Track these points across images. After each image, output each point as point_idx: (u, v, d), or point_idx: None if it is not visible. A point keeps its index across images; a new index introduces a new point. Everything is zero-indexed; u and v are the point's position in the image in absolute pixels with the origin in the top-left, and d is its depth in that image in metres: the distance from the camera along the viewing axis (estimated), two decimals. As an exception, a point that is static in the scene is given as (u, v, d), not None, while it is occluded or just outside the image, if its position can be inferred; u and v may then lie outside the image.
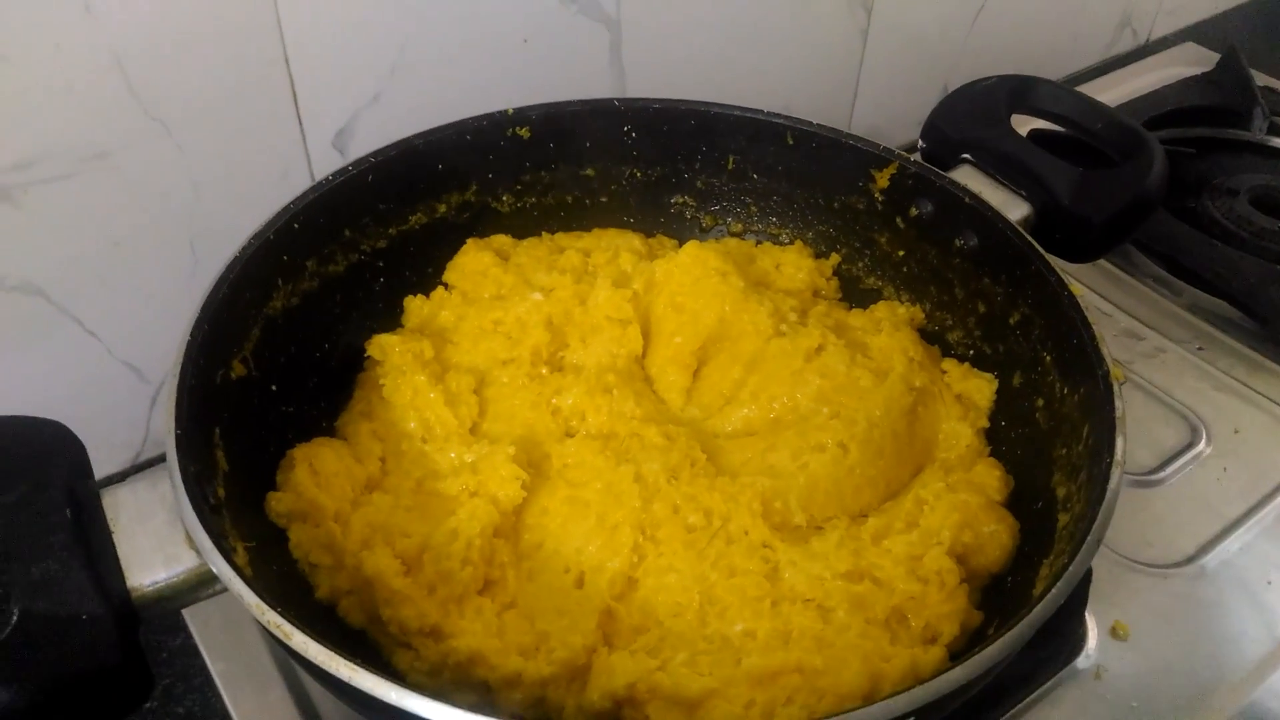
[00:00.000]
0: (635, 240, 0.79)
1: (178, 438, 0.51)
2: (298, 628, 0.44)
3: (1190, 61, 1.29)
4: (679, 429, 0.64)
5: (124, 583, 0.48)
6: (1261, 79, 1.20)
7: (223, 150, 0.73)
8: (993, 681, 0.50)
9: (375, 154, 0.70)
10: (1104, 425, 0.56)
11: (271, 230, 0.63)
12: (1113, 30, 1.38)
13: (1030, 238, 0.67)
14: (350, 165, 0.69)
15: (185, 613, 0.68)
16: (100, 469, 0.73)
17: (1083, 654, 0.68)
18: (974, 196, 0.70)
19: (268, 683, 0.64)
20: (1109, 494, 0.52)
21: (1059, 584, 0.49)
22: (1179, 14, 1.45)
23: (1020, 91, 0.78)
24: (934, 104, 0.81)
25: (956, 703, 0.48)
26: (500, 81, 0.84)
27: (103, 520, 0.49)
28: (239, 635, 0.66)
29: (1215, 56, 1.26)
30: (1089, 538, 0.50)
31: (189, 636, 0.68)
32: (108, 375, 0.77)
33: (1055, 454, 0.62)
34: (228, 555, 0.47)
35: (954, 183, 0.71)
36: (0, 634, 0.44)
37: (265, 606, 0.45)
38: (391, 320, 0.74)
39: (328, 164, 0.79)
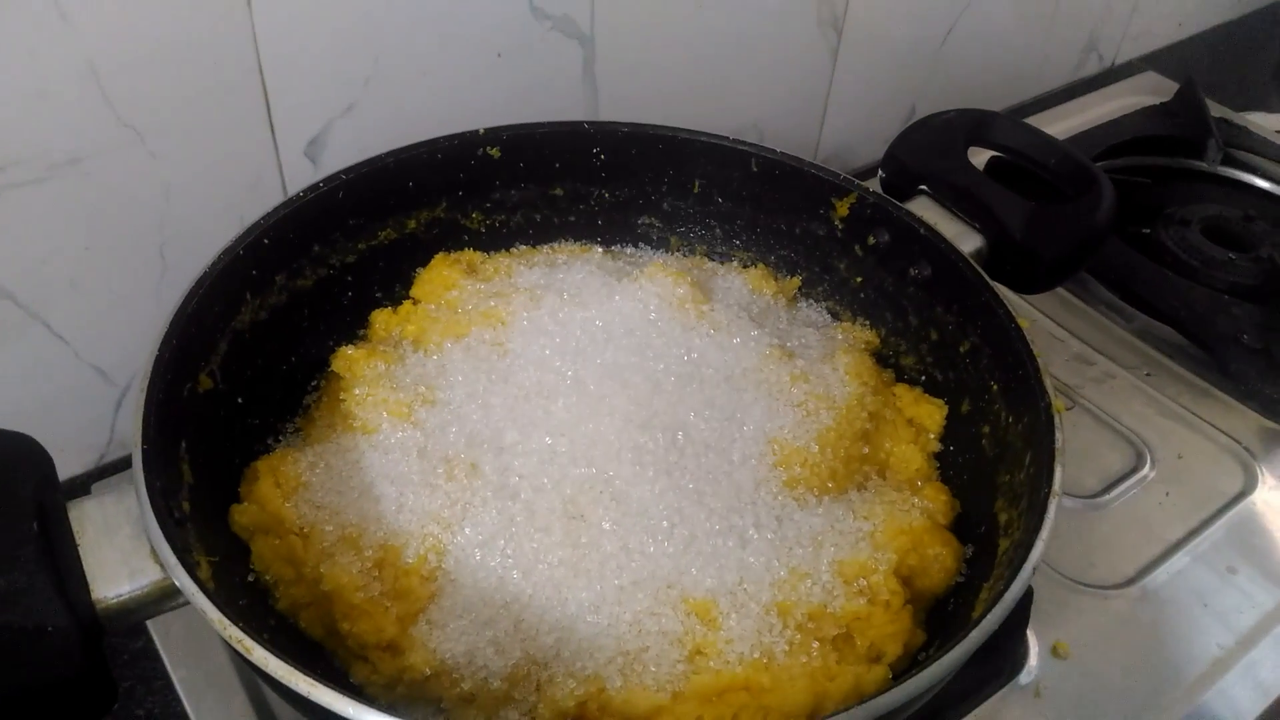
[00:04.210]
0: (599, 254, 0.81)
1: (144, 452, 0.52)
2: (258, 642, 0.45)
3: (1150, 91, 1.32)
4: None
5: (89, 595, 0.48)
6: (1217, 110, 1.23)
7: (194, 157, 0.74)
8: (934, 699, 0.52)
9: (346, 170, 0.71)
10: (1044, 455, 0.58)
11: (241, 246, 0.64)
12: (1078, 54, 1.41)
13: (981, 270, 0.69)
14: (321, 182, 0.70)
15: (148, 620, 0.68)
16: (65, 470, 0.74)
17: (1024, 672, 0.70)
18: (929, 228, 0.72)
19: (229, 691, 0.65)
20: (1046, 523, 0.54)
21: (996, 608, 0.50)
22: (1142, 40, 1.48)
23: (978, 125, 0.81)
24: (902, 124, 0.83)
25: (896, 721, 0.50)
26: (473, 95, 0.85)
27: (69, 533, 0.50)
28: (200, 643, 0.67)
29: (1175, 86, 1.29)
30: (1025, 565, 0.52)
31: (150, 640, 0.69)
32: (74, 377, 0.78)
33: (999, 480, 0.64)
34: (191, 569, 0.48)
35: (910, 214, 0.73)
36: (-35, 645, 0.45)
37: (227, 621, 0.46)
38: (358, 334, 0.75)
39: (299, 173, 0.80)
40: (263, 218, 0.66)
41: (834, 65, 1.11)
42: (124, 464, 0.87)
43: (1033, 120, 1.13)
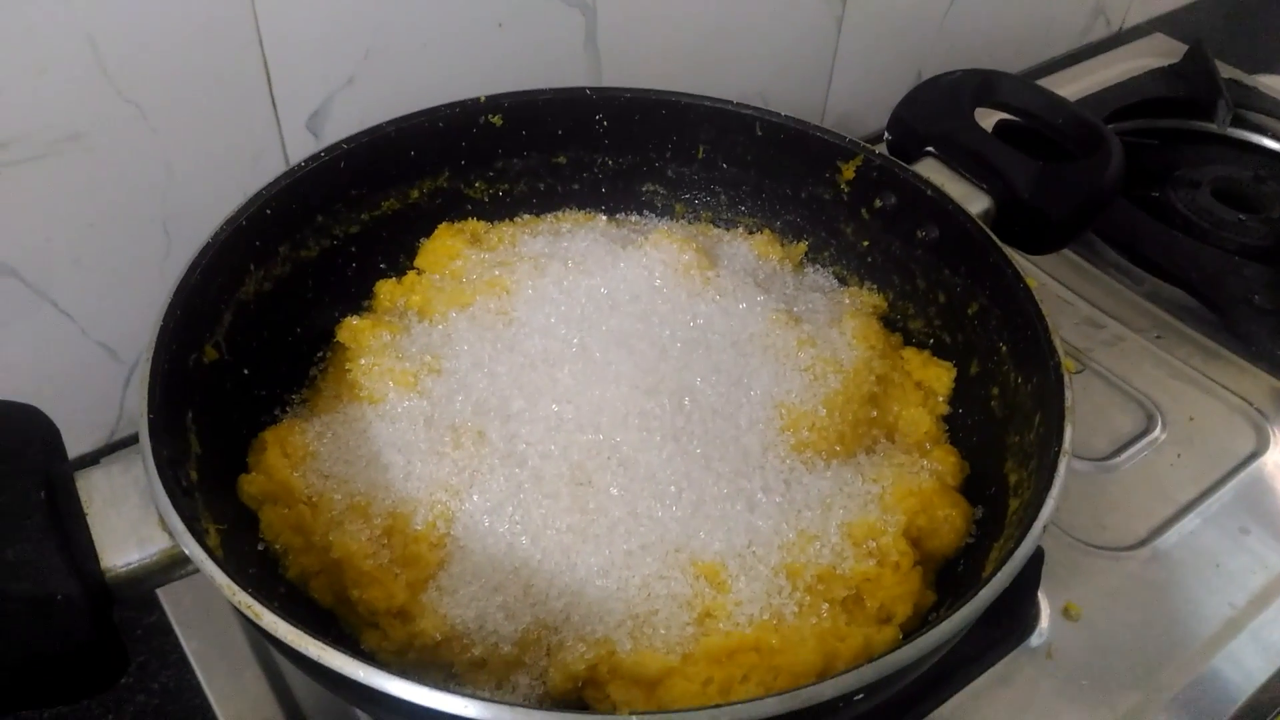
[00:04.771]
0: (603, 222, 0.81)
1: (150, 422, 0.52)
2: (268, 608, 0.45)
3: (1159, 53, 1.31)
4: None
5: (98, 564, 0.48)
6: (1226, 71, 1.21)
7: (196, 132, 0.74)
8: (946, 660, 0.52)
9: (348, 140, 0.71)
10: (1054, 415, 0.57)
11: (244, 216, 0.64)
12: (1086, 18, 1.39)
13: (989, 231, 0.68)
14: (323, 151, 0.69)
15: (158, 592, 0.69)
16: (75, 448, 0.74)
17: (1035, 634, 0.70)
18: (936, 189, 0.71)
19: (241, 661, 0.66)
20: (1056, 481, 0.54)
21: (1005, 567, 0.50)
22: (1151, 4, 1.47)
23: (984, 86, 0.80)
24: (908, 91, 0.83)
25: (906, 680, 0.50)
26: (475, 66, 0.85)
27: (77, 503, 0.50)
28: (212, 614, 0.68)
29: (1183, 48, 1.27)
30: (1035, 523, 0.52)
31: (164, 614, 0.70)
32: (82, 355, 0.78)
33: (1009, 441, 0.64)
34: (199, 537, 0.48)
35: (917, 175, 0.72)
36: (-25, 614, 0.45)
37: (236, 587, 0.46)
38: (363, 304, 0.75)
39: (301, 146, 0.79)
40: (265, 188, 0.66)
41: (839, 33, 1.10)
42: (133, 441, 0.86)
43: (1042, 83, 1.12)
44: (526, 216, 0.81)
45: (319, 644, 0.44)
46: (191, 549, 0.47)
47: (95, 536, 0.49)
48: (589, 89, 0.78)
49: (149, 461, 0.50)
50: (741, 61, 1.04)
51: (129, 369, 0.81)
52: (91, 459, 0.82)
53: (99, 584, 0.48)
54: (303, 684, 0.65)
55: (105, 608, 0.49)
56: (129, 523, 0.50)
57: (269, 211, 0.66)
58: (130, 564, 0.49)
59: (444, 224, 0.77)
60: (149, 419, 0.52)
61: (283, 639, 0.45)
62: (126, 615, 0.71)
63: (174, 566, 0.50)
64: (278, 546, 0.59)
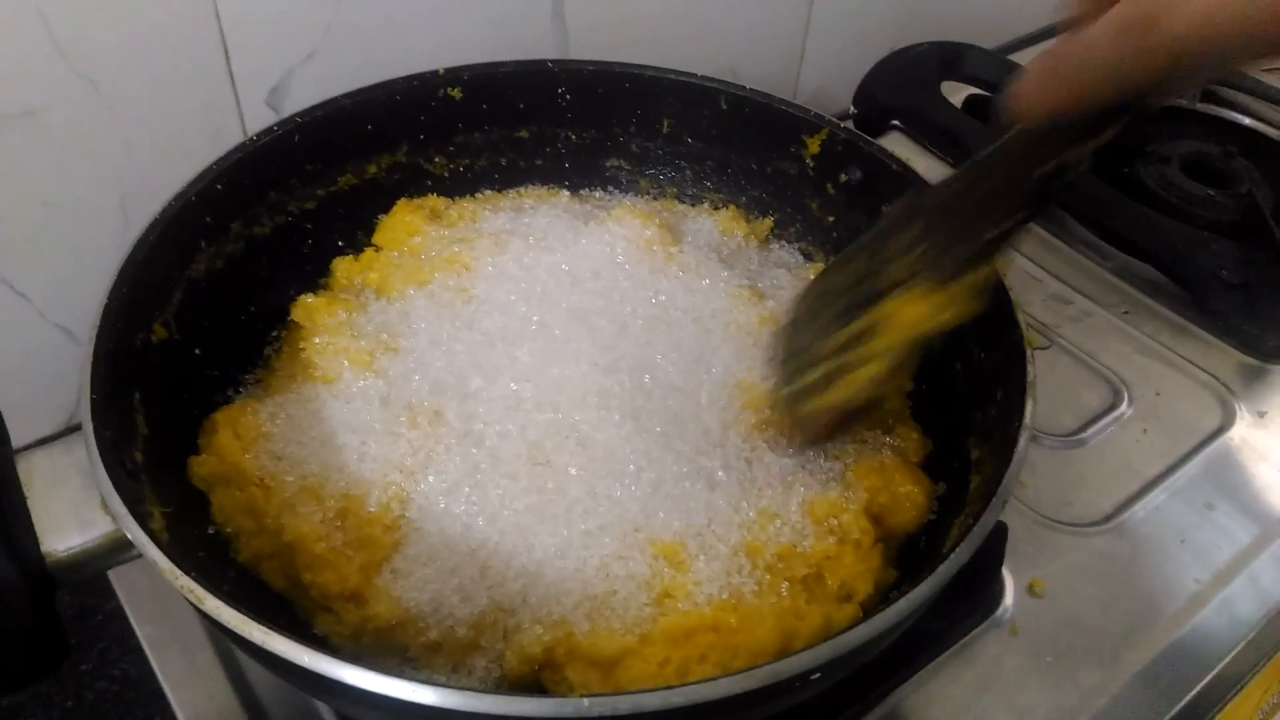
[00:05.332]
0: (566, 198, 0.79)
1: (94, 402, 0.50)
2: (211, 592, 0.45)
3: (1132, 27, 1.30)
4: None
5: (38, 547, 0.48)
6: (1199, 46, 1.20)
7: (153, 108, 0.72)
8: (909, 638, 0.52)
9: (302, 114, 0.69)
10: (1016, 390, 0.57)
11: (193, 192, 0.62)
12: (1061, -7, 1.38)
13: (954, 204, 0.68)
14: (276, 125, 0.68)
15: (112, 577, 0.68)
16: (33, 432, 0.73)
17: (998, 610, 0.70)
18: (901, 163, 0.71)
19: (194, 646, 0.65)
20: (1016, 455, 0.54)
21: (965, 542, 0.50)
22: (1126, -22, 1.46)
23: (951, 58, 0.79)
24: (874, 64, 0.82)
25: (864, 658, 0.49)
26: (439, 39, 0.83)
27: (16, 485, 0.49)
28: (166, 599, 0.66)
29: (1157, 22, 1.26)
30: (995, 497, 0.52)
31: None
32: (39, 338, 0.76)
33: (971, 417, 0.63)
34: (142, 520, 0.47)
35: (882, 149, 0.72)
36: (-89, 599, 0.44)
37: (178, 571, 0.45)
38: (319, 282, 0.73)
39: (261, 122, 0.77)
40: (215, 162, 0.64)
41: (810, 6, 1.08)
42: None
43: (1014, 58, 1.11)
44: (488, 192, 0.80)
45: (263, 629, 0.43)
46: (133, 532, 0.46)
47: (35, 520, 0.48)
48: (550, 61, 0.77)
49: (90, 442, 0.49)
50: (712, 36, 1.02)
51: (87, 351, 0.80)
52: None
53: (39, 568, 0.47)
54: (258, 670, 0.64)
55: (46, 592, 0.48)
56: (70, 505, 0.49)
57: (220, 187, 0.64)
58: (71, 548, 0.48)
59: (403, 200, 0.76)
60: (91, 399, 0.51)
61: (226, 624, 0.44)
62: (88, 601, 0.70)
63: (117, 550, 0.49)
64: (229, 530, 0.58)
